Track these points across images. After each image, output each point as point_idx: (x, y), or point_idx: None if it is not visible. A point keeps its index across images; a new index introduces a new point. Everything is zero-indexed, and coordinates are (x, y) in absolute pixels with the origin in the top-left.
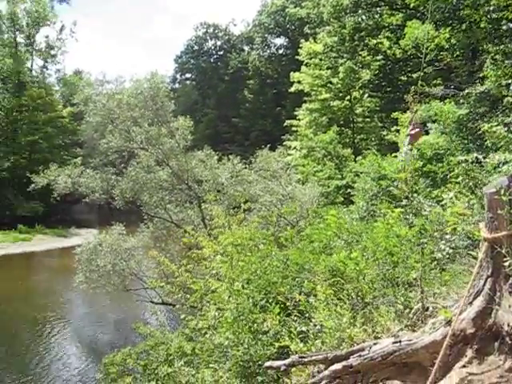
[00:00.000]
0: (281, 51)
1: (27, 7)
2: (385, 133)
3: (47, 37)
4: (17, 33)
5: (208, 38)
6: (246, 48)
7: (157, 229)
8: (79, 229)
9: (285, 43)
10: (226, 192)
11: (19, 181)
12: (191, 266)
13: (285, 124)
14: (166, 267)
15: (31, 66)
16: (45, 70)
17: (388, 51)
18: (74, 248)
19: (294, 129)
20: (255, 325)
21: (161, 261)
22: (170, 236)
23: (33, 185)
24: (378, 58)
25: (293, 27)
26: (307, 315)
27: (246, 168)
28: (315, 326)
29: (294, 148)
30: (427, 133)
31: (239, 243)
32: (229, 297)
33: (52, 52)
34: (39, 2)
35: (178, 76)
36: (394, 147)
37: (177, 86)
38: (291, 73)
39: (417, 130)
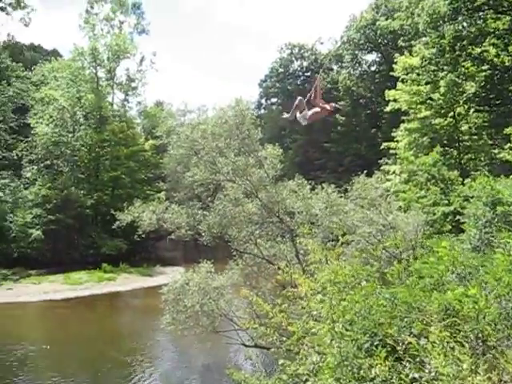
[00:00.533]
0: (373, 68)
1: (107, 41)
2: (496, 151)
3: (127, 69)
4: (98, 68)
5: (293, 59)
6: (335, 67)
7: (247, 265)
8: (164, 267)
9: (377, 59)
10: (321, 224)
11: (102, 218)
12: (286, 305)
13: (381, 147)
14: (259, 307)
15: (112, 100)
16: (126, 103)
17: (495, 59)
18: (159, 287)
19: (391, 151)
20: (361, 371)
21: (253, 300)
22: (262, 273)
23: (117, 222)
24: (484, 67)
25: (385, 41)
26: (419, 360)
27: (341, 197)
28: (430, 372)
29: (393, 173)
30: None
31: (339, 280)
32: (331, 340)
33: (133, 84)
34: (119, 36)
35: (263, 101)
36: (508, 167)
37: (262, 111)
38: (386, 91)
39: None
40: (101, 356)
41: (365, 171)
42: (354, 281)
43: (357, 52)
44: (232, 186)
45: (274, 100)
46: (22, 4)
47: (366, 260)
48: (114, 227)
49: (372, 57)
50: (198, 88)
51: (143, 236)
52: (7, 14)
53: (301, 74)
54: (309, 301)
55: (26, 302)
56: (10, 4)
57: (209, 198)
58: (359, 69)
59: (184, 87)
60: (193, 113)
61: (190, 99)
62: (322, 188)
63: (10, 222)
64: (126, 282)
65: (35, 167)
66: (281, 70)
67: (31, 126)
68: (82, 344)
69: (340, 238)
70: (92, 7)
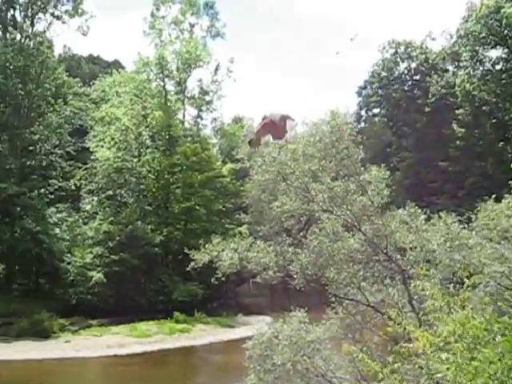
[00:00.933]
0: (498, 66)
1: (176, 48)
2: None
3: (200, 80)
4: (166, 80)
5: (399, 59)
6: (451, 67)
7: (348, 314)
8: (247, 316)
9: (503, 55)
10: (440, 262)
11: (174, 258)
12: (399, 364)
13: None
14: (365, 366)
15: (183, 116)
16: (199, 120)
17: None
18: (242, 341)
19: None
20: None
21: (357, 357)
22: (367, 324)
23: (192, 263)
24: None
25: None
26: None
27: (463, 228)
28: None
29: None
30: None
31: (467, 334)
32: None
33: (207, 98)
34: (190, 41)
35: (363, 113)
36: None
37: (362, 125)
38: None
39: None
40: None
41: (493, 195)
42: (487, 335)
43: (477, 48)
44: (329, 217)
45: (376, 111)
46: (80, 11)
47: (500, 308)
48: (188, 269)
49: (497, 53)
50: (284, 99)
51: (222, 279)
52: (63, 22)
53: (408, 77)
54: (428, 359)
55: (86, 358)
56: (66, 11)
57: (301, 233)
58: (481, 68)
59: (266, 99)
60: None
61: (275, 113)
62: (440, 217)
63: (68, 264)
64: (203, 334)
65: (95, 198)
66: (384, 73)
67: (90, 150)
68: None
69: (465, 279)
70: (158, 9)
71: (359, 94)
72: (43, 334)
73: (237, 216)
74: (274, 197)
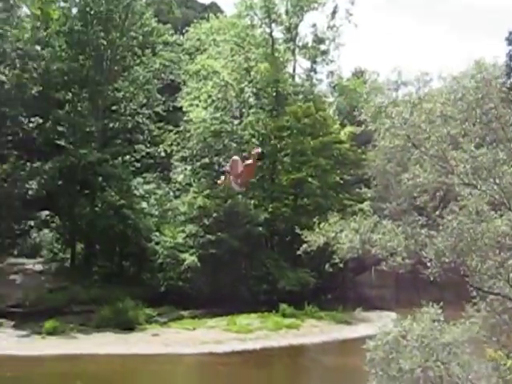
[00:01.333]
0: None
1: None
2: None
3: (314, 26)
4: (273, 25)
5: None
6: None
7: (493, 312)
8: (368, 311)
9: None
10: None
11: (281, 239)
12: None
13: None
14: None
15: (293, 70)
16: (313, 74)
17: None
18: (361, 341)
19: None
20: None
21: (504, 365)
22: None
23: (304, 246)
24: None
25: None
26: None
27: None
28: None
29: None
30: None
31: None
32: None
33: (322, 47)
34: None
35: None
36: None
37: None
38: None
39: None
40: None
41: None
42: None
43: None
44: (471, 192)
45: None
46: None
47: None
48: (298, 253)
49: None
50: (416, 48)
51: (339, 266)
52: None
53: None
54: None
55: (176, 355)
56: None
57: (436, 212)
58: None
59: (394, 47)
60: (410, 85)
61: (405, 65)
62: None
63: (156, 244)
64: (314, 331)
65: (189, 167)
66: None
67: (183, 109)
68: None
69: None
70: None
71: (510, 41)
72: (127, 326)
73: (357, 190)
74: (403, 167)
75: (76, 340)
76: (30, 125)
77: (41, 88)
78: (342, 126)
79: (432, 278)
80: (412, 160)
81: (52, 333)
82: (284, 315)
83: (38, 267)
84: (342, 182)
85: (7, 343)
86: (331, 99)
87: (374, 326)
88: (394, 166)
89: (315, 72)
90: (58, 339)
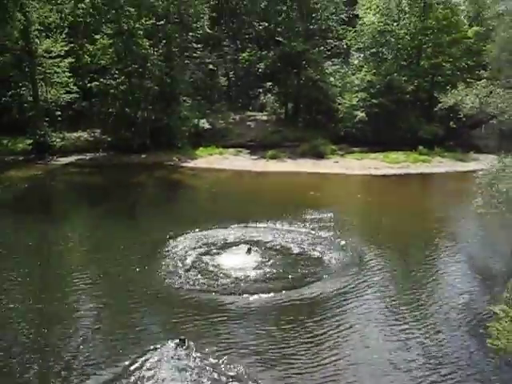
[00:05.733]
0: None
1: None
2: None
3: None
4: None
5: None
6: None
7: None
8: (478, 154)
9: None
10: None
11: (421, 104)
12: None
13: None
14: None
15: None
16: None
17: None
18: (472, 172)
19: None
20: None
21: None
22: None
23: (439, 105)
24: None
25: None
26: None
27: None
28: None
29: None
30: None
31: None
32: None
33: None
34: None
35: None
36: None
37: None
38: None
39: None
40: (409, 228)
41: None
42: None
43: None
44: None
45: None
46: None
47: None
48: (433, 111)
49: None
50: None
51: (457, 124)
52: None
53: None
54: None
55: (349, 175)
56: None
57: None
58: None
59: None
60: None
61: None
62: None
63: (339, 104)
64: (440, 164)
65: (362, 55)
66: None
67: (359, 16)
68: (393, 212)
69: None
70: None
71: None
72: (319, 155)
73: (476, 72)
74: None
75: (286, 163)
76: (260, 27)
77: (266, 2)
78: (470, 26)
79: None
80: None
81: (272, 158)
82: (420, 153)
83: (264, 118)
84: (466, 66)
85: (246, 163)
86: (463, 7)
87: (482, 163)
88: (506, 55)
89: None
90: (275, 162)
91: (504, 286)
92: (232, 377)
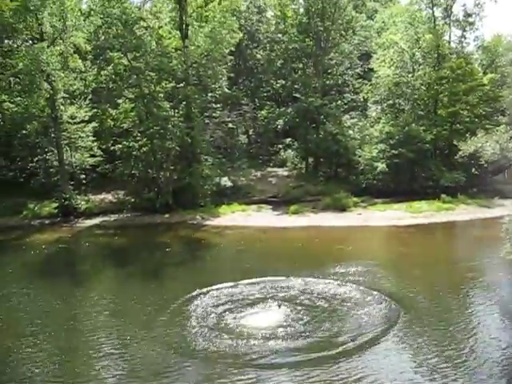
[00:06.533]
0: None
1: None
2: None
3: (464, 5)
4: (434, 8)
5: None
6: None
7: None
8: (502, 199)
9: None
10: None
11: (441, 152)
12: None
13: None
14: None
15: (449, 37)
16: (463, 39)
17: None
18: (498, 218)
19: None
20: None
21: None
22: None
23: (459, 153)
24: None
25: None
26: None
27: None
28: None
29: None
30: None
31: None
32: None
33: (470, 20)
34: None
35: None
36: None
37: None
38: None
39: None
40: (439, 277)
41: None
42: None
43: None
44: None
45: None
46: None
47: None
48: (455, 158)
49: None
50: None
51: (479, 170)
52: None
53: None
54: None
55: (373, 226)
56: None
57: None
58: None
59: None
60: None
61: None
62: None
63: (359, 157)
64: (464, 212)
65: (379, 107)
66: None
67: (374, 69)
68: (422, 263)
69: None
70: None
71: None
72: (341, 208)
73: (495, 118)
74: None
75: (309, 217)
76: (277, 85)
77: (282, 61)
78: (485, 74)
79: None
80: None
81: (294, 213)
82: (443, 202)
83: (285, 173)
84: (484, 113)
85: (268, 218)
86: (476, 56)
87: (507, 209)
88: None
89: (465, 38)
90: (297, 217)
91: None
92: None
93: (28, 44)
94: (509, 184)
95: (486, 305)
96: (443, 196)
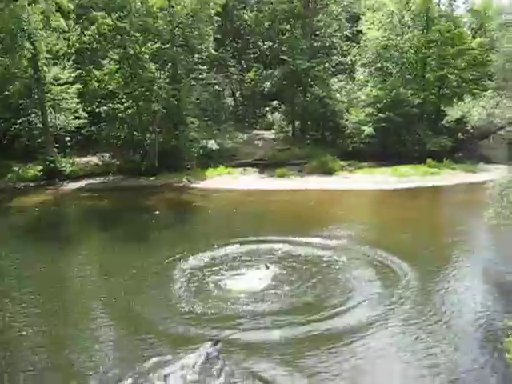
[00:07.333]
0: None
1: None
2: None
3: None
4: None
5: None
6: None
7: None
8: (487, 164)
9: None
10: None
11: (428, 116)
12: None
13: None
14: None
15: (439, 1)
16: (452, 2)
17: None
18: (482, 183)
19: None
20: None
21: None
22: None
23: (446, 118)
24: None
25: None
26: None
27: None
28: None
29: None
30: None
31: None
32: None
33: None
34: None
35: None
36: None
37: None
38: None
39: None
40: (425, 240)
41: None
42: None
43: None
44: None
45: None
46: None
47: None
48: (442, 123)
49: None
50: None
51: (466, 135)
52: None
53: None
54: None
55: (359, 190)
56: None
57: None
58: None
59: None
60: None
61: None
62: None
63: (346, 120)
64: (449, 177)
65: (367, 70)
66: None
67: (362, 32)
68: (407, 227)
69: None
70: None
71: None
72: (328, 172)
73: (482, 83)
74: None
75: (295, 181)
76: (265, 47)
77: (270, 22)
78: (474, 37)
79: None
80: None
81: (281, 176)
82: (429, 166)
83: (272, 136)
84: (472, 77)
85: (254, 181)
86: (466, 20)
87: (491, 174)
88: (510, 65)
89: (454, 0)
90: (284, 180)
91: None
92: None
93: (8, 2)
94: (494, 149)
95: (467, 268)
96: (429, 160)
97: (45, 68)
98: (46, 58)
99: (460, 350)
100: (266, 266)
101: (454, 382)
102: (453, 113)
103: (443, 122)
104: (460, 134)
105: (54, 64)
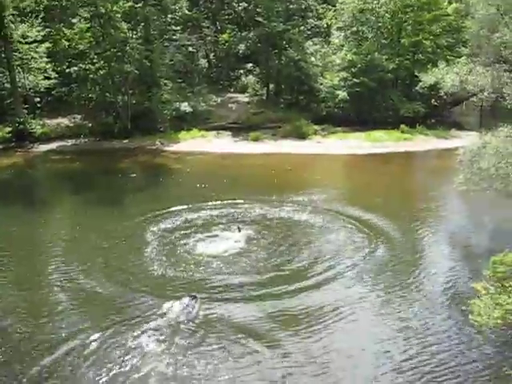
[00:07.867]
0: None
1: None
2: None
3: None
4: None
5: None
6: None
7: None
8: (459, 131)
9: None
10: None
11: (402, 82)
12: None
13: None
14: None
15: None
16: None
17: None
18: (453, 149)
19: None
20: None
21: None
22: None
23: (420, 84)
24: None
25: None
26: None
27: None
28: None
29: None
30: None
31: None
32: None
33: None
34: None
35: None
36: None
37: None
38: None
39: None
40: (395, 204)
41: None
42: None
43: None
44: None
45: None
46: None
47: None
48: (414, 89)
49: None
50: None
51: (439, 102)
52: None
53: None
54: None
55: (332, 154)
56: None
57: None
58: None
59: None
60: None
61: None
62: None
63: (320, 84)
64: (422, 142)
65: (342, 34)
66: None
67: None
68: (378, 192)
69: None
70: None
71: None
72: (301, 136)
73: (457, 49)
74: (492, 31)
75: (269, 144)
76: (240, 8)
77: None
78: (449, 3)
79: (509, 107)
80: (502, 24)
81: (254, 139)
82: (402, 132)
83: (246, 99)
84: (446, 43)
85: (228, 145)
86: None
87: (463, 140)
88: (485, 31)
89: None
90: (257, 143)
91: (486, 263)
92: None
93: None
94: (466, 116)
95: (434, 232)
96: (402, 126)
97: (11, 25)
98: (13, 15)
99: (425, 310)
100: (238, 228)
101: (423, 343)
102: (426, 79)
103: (417, 88)
104: (433, 100)
105: (22, 21)
